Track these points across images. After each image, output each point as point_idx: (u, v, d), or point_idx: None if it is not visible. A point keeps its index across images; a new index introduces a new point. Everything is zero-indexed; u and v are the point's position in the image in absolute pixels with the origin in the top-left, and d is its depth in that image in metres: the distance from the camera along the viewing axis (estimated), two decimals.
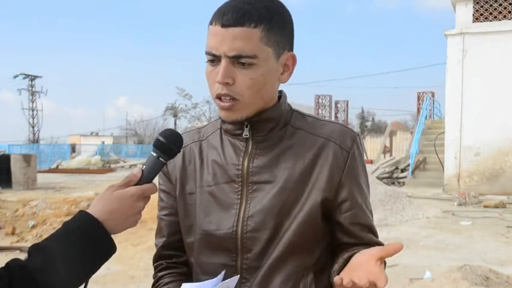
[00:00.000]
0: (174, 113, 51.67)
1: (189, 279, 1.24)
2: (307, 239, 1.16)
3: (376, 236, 1.23)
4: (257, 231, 1.15)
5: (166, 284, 1.24)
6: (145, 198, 1.09)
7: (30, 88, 48.73)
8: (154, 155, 1.10)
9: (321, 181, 1.17)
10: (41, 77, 51.19)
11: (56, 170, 25.76)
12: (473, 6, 14.68)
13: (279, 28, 1.13)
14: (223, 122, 1.23)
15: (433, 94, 25.99)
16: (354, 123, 51.06)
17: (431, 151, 16.83)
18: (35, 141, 47.16)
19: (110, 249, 1.05)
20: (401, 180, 17.08)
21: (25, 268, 0.96)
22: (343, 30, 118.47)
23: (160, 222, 1.29)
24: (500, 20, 14.49)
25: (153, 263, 1.31)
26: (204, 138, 1.28)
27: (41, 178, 18.61)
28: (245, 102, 1.13)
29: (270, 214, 1.15)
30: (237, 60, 1.09)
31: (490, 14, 14.59)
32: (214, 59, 1.12)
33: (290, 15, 1.18)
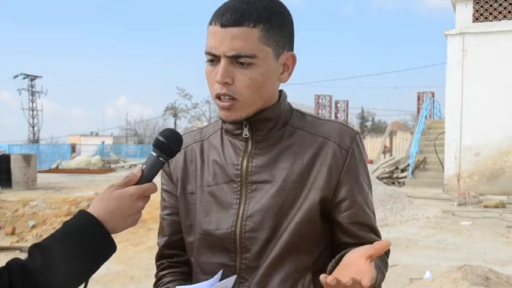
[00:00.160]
0: (174, 113, 51.67)
1: (190, 278, 1.24)
2: (306, 239, 1.16)
3: (378, 236, 1.22)
4: (255, 231, 1.15)
5: (166, 283, 1.25)
6: (145, 197, 1.10)
7: (30, 88, 48.73)
8: (154, 154, 1.11)
9: (320, 181, 1.16)
10: (41, 77, 51.25)
11: (56, 170, 25.77)
12: (473, 6, 14.68)
13: (279, 28, 1.13)
14: (223, 122, 1.23)
15: (433, 94, 25.97)
16: (354, 123, 50.97)
17: (431, 151, 16.83)
18: (35, 141, 47.17)
19: (110, 248, 1.05)
20: (401, 180, 17.08)
21: (25, 267, 0.96)
22: (343, 30, 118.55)
23: (162, 221, 1.30)
24: (500, 20, 14.49)
25: (155, 262, 1.32)
26: (205, 139, 1.28)
27: (41, 178, 18.60)
28: (244, 102, 1.13)
29: (269, 214, 1.15)
30: (236, 59, 1.10)
31: (490, 14, 14.59)
32: (214, 59, 1.12)
33: (290, 15, 1.18)
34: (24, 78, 48.27)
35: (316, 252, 1.19)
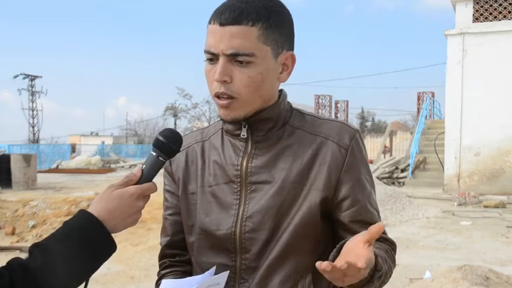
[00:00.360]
0: (174, 113, 51.67)
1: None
2: (306, 240, 1.16)
3: (383, 233, 1.19)
4: (255, 231, 1.15)
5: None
6: (145, 197, 1.10)
7: (30, 88, 48.74)
8: (154, 154, 1.11)
9: (319, 181, 1.16)
10: (41, 77, 51.27)
11: (56, 170, 25.76)
12: (473, 6, 14.69)
13: (277, 27, 1.13)
14: (223, 122, 1.23)
15: (433, 94, 25.97)
16: (354, 123, 50.99)
17: (431, 151, 16.83)
18: (35, 141, 47.17)
19: (110, 248, 1.05)
20: (401, 180, 17.08)
21: (26, 267, 0.97)
22: (343, 30, 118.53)
23: (165, 221, 1.30)
24: (500, 20, 14.49)
25: (158, 260, 1.33)
26: (206, 139, 1.28)
27: (41, 178, 18.60)
28: (243, 100, 1.13)
29: (268, 214, 1.15)
30: (234, 58, 1.10)
31: (490, 14, 14.60)
32: (213, 58, 1.12)
33: (290, 15, 1.18)
34: (24, 78, 48.28)
35: (317, 253, 1.18)
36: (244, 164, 1.18)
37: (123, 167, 29.08)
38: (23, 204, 10.43)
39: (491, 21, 14.55)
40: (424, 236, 8.07)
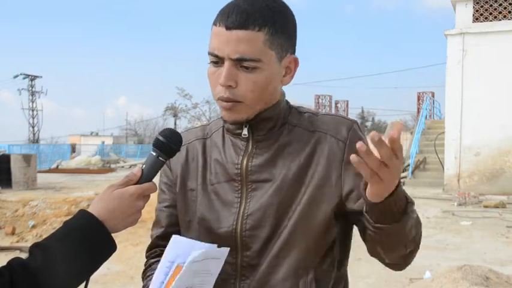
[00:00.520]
0: (174, 113, 51.72)
1: None
2: (307, 236, 1.16)
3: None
4: (256, 228, 1.16)
5: (152, 272, 1.22)
6: (145, 197, 1.10)
7: (30, 88, 48.77)
8: (154, 154, 1.11)
9: (318, 176, 1.16)
10: (41, 77, 51.34)
11: (56, 170, 25.78)
12: (473, 6, 14.68)
13: (283, 32, 1.12)
14: (225, 121, 1.23)
15: (433, 94, 26.00)
16: None
17: (431, 151, 16.83)
18: (35, 141, 47.20)
19: (110, 248, 1.05)
20: (401, 180, 17.04)
21: (26, 266, 0.97)
22: (343, 30, 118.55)
23: (159, 213, 1.29)
24: (500, 20, 14.49)
25: (146, 252, 1.31)
26: (207, 137, 1.28)
27: (41, 178, 18.61)
28: (247, 104, 1.14)
29: (269, 212, 1.15)
30: (240, 63, 1.09)
31: (490, 14, 14.60)
32: (218, 61, 1.11)
33: (294, 18, 1.18)
34: (24, 78, 48.33)
35: (320, 251, 1.18)
36: (245, 162, 1.19)
37: (123, 167, 29.09)
38: (23, 204, 10.44)
39: (491, 21, 14.55)
40: (424, 236, 7.95)
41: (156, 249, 1.28)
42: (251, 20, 1.07)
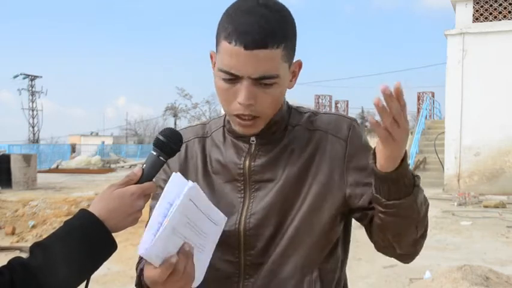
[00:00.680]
0: (174, 113, 51.74)
1: None
2: (311, 234, 1.16)
3: None
4: (260, 227, 1.16)
5: None
6: (146, 196, 1.10)
7: (30, 88, 48.80)
8: (155, 153, 1.11)
9: (321, 175, 1.17)
10: (41, 77, 51.35)
11: (56, 170, 25.78)
12: (473, 6, 14.69)
13: (292, 41, 1.12)
14: (228, 121, 1.23)
15: (433, 94, 25.99)
16: None
17: (431, 151, 16.84)
18: (35, 141, 47.21)
19: (110, 247, 1.05)
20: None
21: (27, 266, 0.97)
22: (343, 30, 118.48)
23: None
24: (500, 20, 14.49)
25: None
26: (207, 136, 1.28)
27: (41, 178, 18.61)
28: (264, 118, 1.14)
29: (272, 211, 1.16)
30: (260, 80, 1.08)
31: (490, 14, 14.60)
32: (233, 78, 1.08)
33: (295, 22, 1.17)
34: (24, 78, 48.35)
35: (324, 249, 1.19)
36: (247, 163, 1.19)
37: (123, 167, 29.10)
38: (23, 204, 10.44)
39: (491, 21, 14.55)
40: None
41: None
42: (270, 38, 1.05)
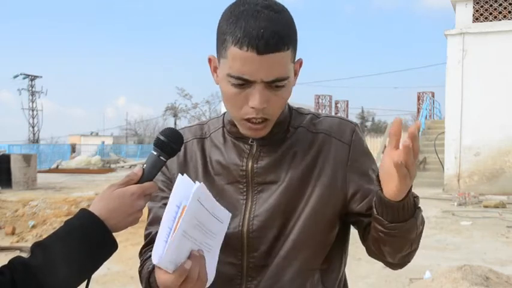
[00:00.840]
0: (174, 113, 51.76)
1: None
2: (313, 237, 1.17)
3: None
4: (263, 230, 1.16)
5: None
6: (146, 196, 1.10)
7: (30, 88, 48.80)
8: (155, 153, 1.11)
9: (324, 177, 1.17)
10: (41, 77, 51.36)
11: (56, 170, 25.78)
12: (473, 6, 14.69)
13: (296, 42, 1.12)
14: (228, 122, 1.23)
15: (433, 94, 25.99)
16: None
17: (431, 151, 16.84)
18: (35, 141, 47.21)
19: (111, 247, 1.05)
20: None
21: (27, 265, 0.97)
22: (343, 30, 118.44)
23: (158, 211, 1.24)
24: (500, 20, 14.49)
25: (142, 249, 1.25)
26: (206, 136, 1.28)
27: (41, 178, 18.61)
28: (273, 120, 1.15)
29: (276, 213, 1.16)
30: (272, 83, 1.08)
31: (490, 14, 14.60)
32: (244, 83, 1.07)
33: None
34: (24, 78, 48.36)
35: (325, 251, 1.20)
36: (250, 165, 1.19)
37: (123, 167, 29.10)
38: (23, 204, 10.44)
39: (491, 21, 14.55)
40: (424, 236, 7.93)
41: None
42: (281, 41, 1.05)
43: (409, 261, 1.20)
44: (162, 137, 1.11)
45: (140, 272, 1.21)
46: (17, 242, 7.75)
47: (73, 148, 40.30)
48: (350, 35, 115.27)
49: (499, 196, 12.73)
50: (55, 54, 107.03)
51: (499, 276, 4.77)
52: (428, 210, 10.56)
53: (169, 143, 1.11)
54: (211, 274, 1.05)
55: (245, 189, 1.19)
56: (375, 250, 1.17)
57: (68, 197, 11.96)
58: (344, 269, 1.28)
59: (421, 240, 1.20)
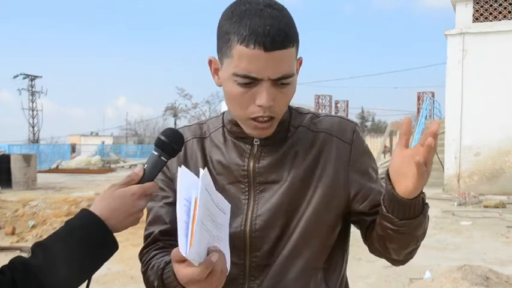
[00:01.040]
0: (174, 113, 51.76)
1: None
2: (316, 236, 1.17)
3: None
4: (266, 229, 1.16)
5: (164, 255, 1.15)
6: (147, 196, 1.10)
7: (30, 88, 48.79)
8: (156, 153, 1.11)
9: (326, 176, 1.18)
10: (41, 77, 51.36)
11: (56, 170, 25.78)
12: (473, 6, 14.69)
13: (299, 40, 1.12)
14: (228, 122, 1.22)
15: (433, 94, 26.01)
16: None
17: None
18: (35, 141, 47.21)
19: (112, 247, 1.06)
20: None
21: (27, 265, 0.97)
22: (343, 30, 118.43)
23: (159, 210, 1.23)
24: (500, 20, 14.50)
25: (144, 249, 1.24)
26: (206, 136, 1.27)
27: (41, 178, 18.61)
28: (278, 118, 1.15)
29: (278, 212, 1.16)
30: (278, 81, 1.08)
31: (490, 14, 14.60)
32: (251, 82, 1.07)
33: None
34: (24, 78, 48.34)
35: (327, 250, 1.20)
36: (251, 164, 1.19)
37: (123, 167, 29.11)
38: (23, 204, 10.43)
39: (491, 21, 14.56)
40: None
41: (158, 243, 1.21)
42: (287, 38, 1.05)
43: (412, 258, 1.20)
44: (163, 138, 1.11)
45: (145, 272, 1.19)
46: (17, 242, 7.75)
47: (73, 148, 40.30)
48: (350, 35, 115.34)
49: (499, 196, 12.73)
50: (55, 54, 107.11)
51: (499, 276, 4.78)
52: (428, 210, 10.56)
53: (170, 143, 1.11)
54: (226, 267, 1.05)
55: (247, 189, 1.19)
56: (379, 248, 1.17)
57: (68, 197, 11.95)
58: (345, 267, 1.28)
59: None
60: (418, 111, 24.75)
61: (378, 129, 52.28)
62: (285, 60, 1.06)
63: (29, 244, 6.94)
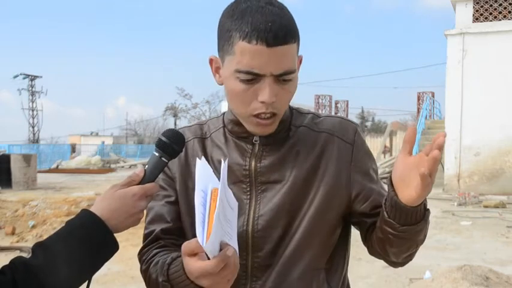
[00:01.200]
0: (174, 113, 51.72)
1: None
2: (318, 236, 1.17)
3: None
4: (268, 229, 1.16)
5: (166, 253, 1.15)
6: (148, 197, 1.10)
7: (30, 88, 48.79)
8: (157, 154, 1.11)
9: (328, 176, 1.18)
10: (41, 77, 51.36)
11: (56, 170, 25.78)
12: (473, 6, 14.70)
13: (300, 37, 1.13)
14: (229, 122, 1.22)
15: (433, 94, 26.01)
16: None
17: None
18: (35, 141, 47.21)
19: (112, 247, 1.06)
20: None
21: (28, 265, 0.97)
22: (343, 30, 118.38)
23: (160, 209, 1.23)
24: (500, 20, 14.50)
25: (144, 248, 1.23)
26: (207, 136, 1.27)
27: (41, 178, 18.61)
28: (280, 115, 1.15)
29: (281, 212, 1.16)
30: (280, 77, 1.08)
31: (490, 14, 14.61)
32: (254, 78, 1.07)
33: None
34: (24, 78, 48.34)
35: (329, 250, 1.20)
36: (253, 164, 1.19)
37: (123, 167, 29.11)
38: (23, 204, 10.44)
39: (491, 21, 14.56)
40: None
41: (160, 241, 1.20)
42: (289, 33, 1.06)
43: (411, 260, 1.21)
44: (163, 138, 1.11)
45: (146, 270, 1.18)
46: (17, 242, 7.75)
47: (73, 148, 40.29)
48: (350, 35, 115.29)
49: (499, 196, 12.73)
50: (55, 54, 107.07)
51: (499, 276, 4.78)
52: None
53: (171, 144, 1.11)
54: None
55: (249, 189, 1.18)
56: (378, 250, 1.17)
57: (68, 197, 11.96)
58: (347, 267, 1.28)
59: None
60: (418, 111, 24.75)
61: (378, 129, 52.28)
62: (287, 56, 1.07)
63: (29, 244, 6.94)
